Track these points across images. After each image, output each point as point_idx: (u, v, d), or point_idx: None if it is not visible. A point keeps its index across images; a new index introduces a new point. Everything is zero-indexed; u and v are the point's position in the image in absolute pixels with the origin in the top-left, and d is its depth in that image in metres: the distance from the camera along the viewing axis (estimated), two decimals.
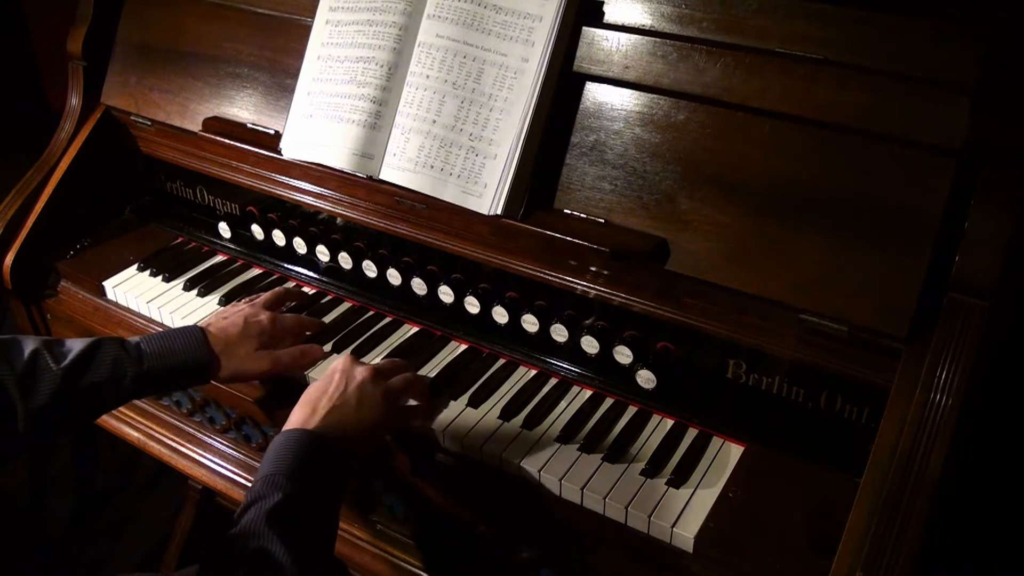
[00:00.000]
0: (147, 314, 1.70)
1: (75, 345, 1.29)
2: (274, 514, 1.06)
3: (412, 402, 1.36)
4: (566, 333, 1.40)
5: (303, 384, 1.48)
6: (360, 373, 1.28)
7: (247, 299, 1.54)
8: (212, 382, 1.42)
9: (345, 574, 1.54)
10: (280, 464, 1.13)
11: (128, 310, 1.73)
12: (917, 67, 1.11)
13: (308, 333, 1.55)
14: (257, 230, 1.74)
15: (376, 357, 1.51)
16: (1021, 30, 1.06)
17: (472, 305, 1.48)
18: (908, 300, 1.11)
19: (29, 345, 1.26)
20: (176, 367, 1.34)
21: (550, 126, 1.37)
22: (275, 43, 1.66)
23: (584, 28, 1.34)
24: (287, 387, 1.48)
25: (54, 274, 1.84)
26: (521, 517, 1.31)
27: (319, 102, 1.54)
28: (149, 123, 1.83)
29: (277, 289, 1.59)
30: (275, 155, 1.60)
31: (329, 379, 1.27)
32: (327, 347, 1.52)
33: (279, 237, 1.70)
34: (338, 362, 1.31)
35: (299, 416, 1.22)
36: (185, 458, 1.75)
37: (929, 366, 1.08)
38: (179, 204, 1.94)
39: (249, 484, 1.66)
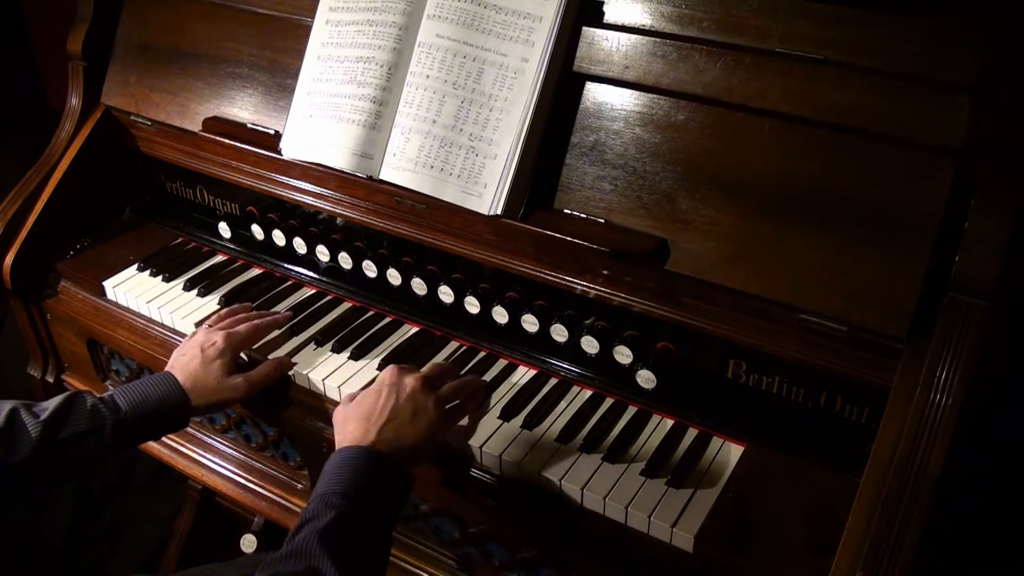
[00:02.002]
0: (147, 314, 1.70)
1: (51, 403, 1.31)
2: (326, 533, 1.06)
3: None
4: (566, 333, 1.40)
5: (307, 386, 1.48)
6: (409, 383, 1.26)
7: (194, 329, 1.55)
8: (192, 419, 1.43)
9: None
10: (336, 483, 1.12)
11: (128, 310, 1.73)
12: (917, 67, 1.11)
13: (275, 332, 1.56)
14: (257, 230, 1.74)
15: (376, 357, 1.51)
16: (1021, 30, 1.06)
17: (472, 305, 1.48)
18: (908, 300, 1.11)
19: (4, 406, 1.28)
20: (153, 413, 1.36)
21: (550, 126, 1.37)
22: (275, 43, 1.66)
23: (584, 28, 1.34)
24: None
25: (54, 274, 1.84)
26: (520, 517, 1.31)
27: (319, 102, 1.54)
28: (149, 123, 1.83)
29: (229, 308, 1.61)
30: (275, 155, 1.60)
31: (378, 392, 1.25)
32: (327, 347, 1.52)
33: (279, 237, 1.70)
34: (384, 374, 1.29)
35: (355, 433, 1.20)
36: (185, 458, 1.75)
37: (929, 366, 1.08)
38: (179, 204, 1.94)
39: (249, 484, 1.67)
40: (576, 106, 1.36)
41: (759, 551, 1.13)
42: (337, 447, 1.20)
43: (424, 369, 1.34)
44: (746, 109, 1.22)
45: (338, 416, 1.26)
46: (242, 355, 1.50)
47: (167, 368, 1.44)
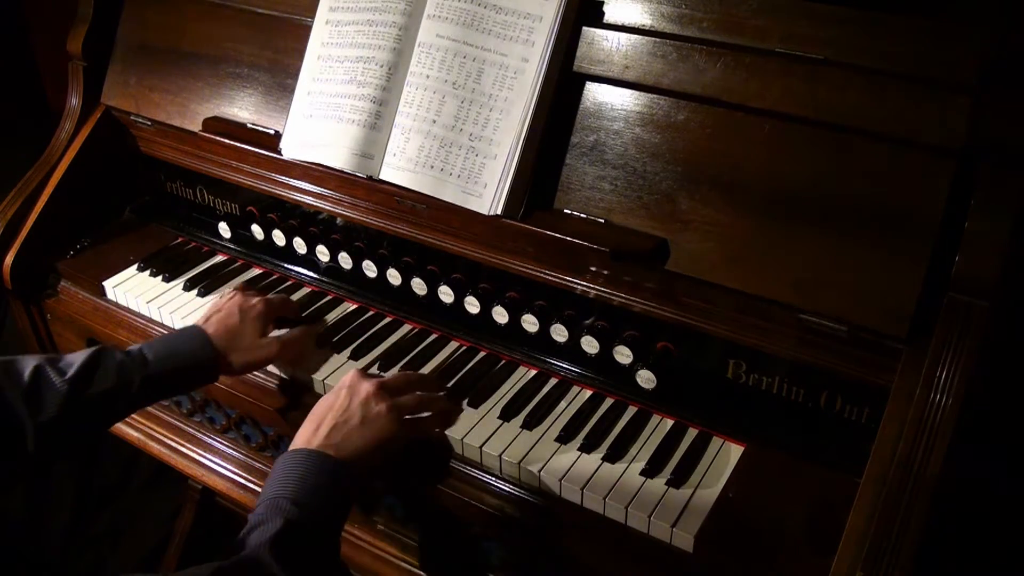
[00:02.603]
0: (147, 314, 1.70)
1: (77, 358, 1.28)
2: (277, 541, 1.05)
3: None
4: (566, 333, 1.40)
5: (308, 386, 1.48)
6: (365, 388, 1.26)
7: (231, 291, 1.55)
8: (223, 377, 1.42)
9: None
10: (283, 487, 1.12)
11: (128, 310, 1.73)
12: (917, 67, 1.11)
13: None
14: (257, 230, 1.74)
15: (376, 357, 1.51)
16: (1021, 30, 1.06)
17: (472, 305, 1.48)
18: (908, 300, 1.11)
19: (30, 363, 1.25)
20: (181, 367, 1.34)
21: (550, 126, 1.37)
22: (275, 43, 1.66)
23: (584, 28, 1.34)
24: (293, 387, 1.49)
25: (54, 274, 1.84)
26: (520, 517, 1.31)
27: (319, 102, 1.54)
28: (149, 123, 1.83)
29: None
30: (275, 155, 1.60)
31: (336, 394, 1.26)
32: (327, 347, 1.52)
33: (279, 237, 1.70)
34: (346, 377, 1.30)
35: (304, 434, 1.21)
36: (185, 458, 1.75)
37: (929, 366, 1.08)
38: (179, 204, 1.94)
39: (249, 484, 1.66)
40: (576, 106, 1.36)
41: (759, 551, 1.13)
42: (290, 447, 1.20)
43: (388, 377, 1.33)
44: (746, 109, 1.22)
45: (301, 427, 1.26)
46: None
47: (198, 322, 1.43)
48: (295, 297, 1.68)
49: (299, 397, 1.49)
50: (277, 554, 1.04)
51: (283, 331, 1.50)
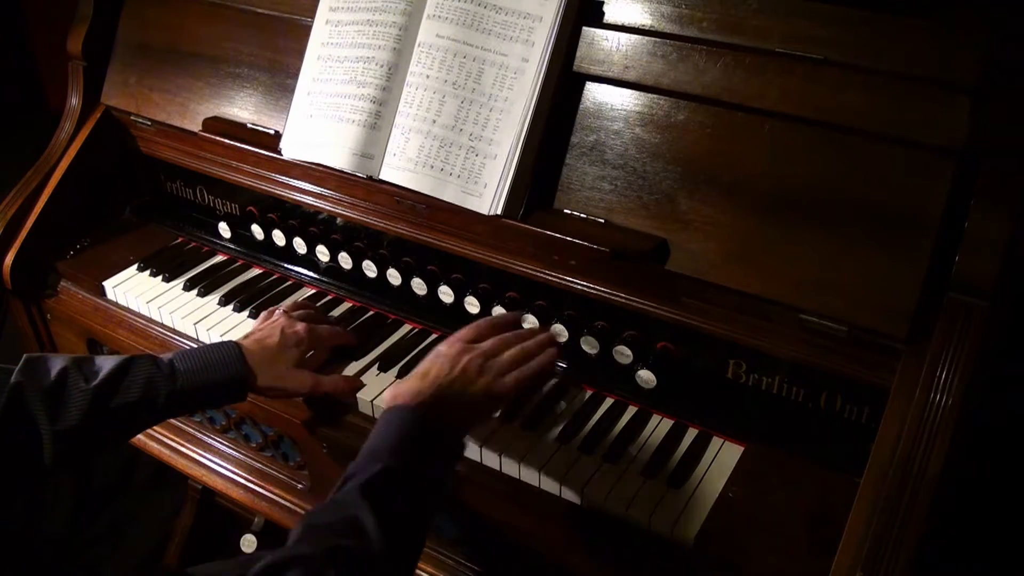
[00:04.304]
0: (147, 314, 1.70)
1: (106, 363, 1.25)
2: (370, 485, 1.05)
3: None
4: (566, 333, 1.40)
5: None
6: (465, 359, 1.22)
7: (270, 311, 1.51)
8: (251, 396, 1.38)
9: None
10: (381, 440, 1.12)
11: (128, 310, 1.73)
12: (917, 67, 1.11)
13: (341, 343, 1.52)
14: (257, 230, 1.74)
15: (376, 357, 1.50)
16: (1021, 30, 1.06)
17: (472, 305, 1.48)
18: (908, 300, 1.11)
19: (58, 363, 1.23)
20: (211, 383, 1.31)
21: (550, 126, 1.37)
22: (275, 43, 1.66)
23: (584, 28, 1.34)
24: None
25: (54, 274, 1.84)
26: (520, 517, 1.31)
27: (319, 102, 1.54)
28: (149, 123, 1.83)
29: (302, 301, 1.59)
30: (275, 155, 1.60)
31: (433, 360, 1.23)
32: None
33: (279, 237, 1.70)
34: (442, 345, 1.26)
35: (406, 396, 1.19)
36: (185, 458, 1.75)
37: (929, 366, 1.08)
38: (179, 204, 1.94)
39: (249, 484, 1.67)
40: (576, 106, 1.36)
41: (759, 551, 1.13)
42: (386, 408, 1.19)
43: (484, 344, 1.27)
44: (746, 109, 1.22)
45: (394, 386, 1.25)
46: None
47: (237, 338, 1.40)
48: (295, 297, 1.68)
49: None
50: (368, 497, 1.04)
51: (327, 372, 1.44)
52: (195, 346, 1.36)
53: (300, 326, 1.44)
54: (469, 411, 1.21)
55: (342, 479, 1.08)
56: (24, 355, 1.24)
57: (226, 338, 1.56)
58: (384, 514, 1.03)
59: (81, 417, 1.20)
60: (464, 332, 1.29)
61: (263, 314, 1.53)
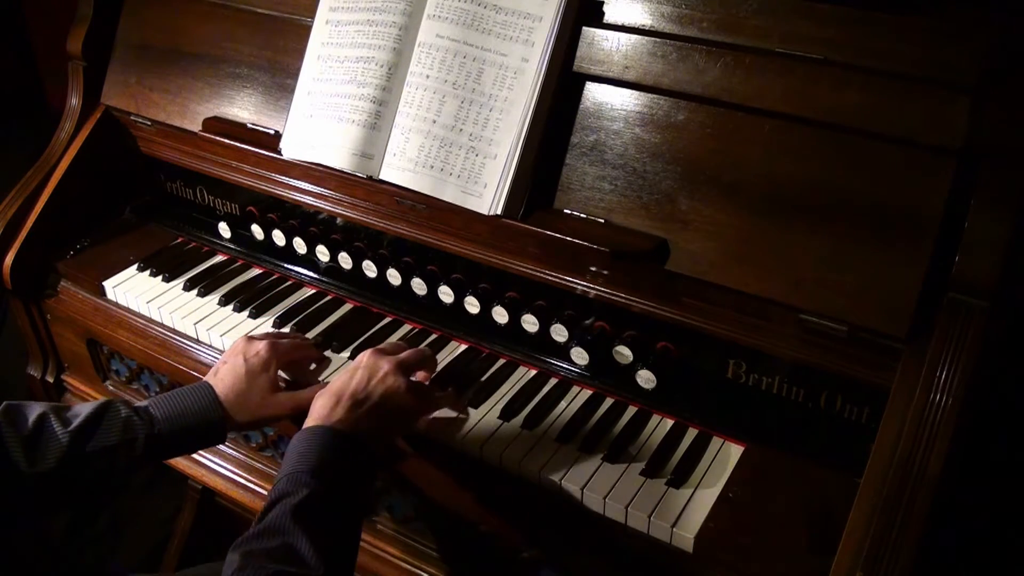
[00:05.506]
0: (147, 314, 1.70)
1: (83, 409, 1.25)
2: (299, 510, 1.06)
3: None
4: (566, 333, 1.40)
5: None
6: (383, 367, 1.26)
7: (240, 338, 1.46)
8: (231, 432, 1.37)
9: None
10: (303, 461, 1.12)
11: (128, 310, 1.73)
12: (917, 67, 1.11)
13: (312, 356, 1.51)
14: (257, 230, 1.74)
15: None
16: (1021, 30, 1.06)
17: (472, 305, 1.48)
18: (908, 300, 1.11)
19: (35, 410, 1.23)
20: (189, 427, 1.29)
21: (550, 126, 1.37)
22: (275, 43, 1.66)
23: (584, 28, 1.34)
24: None
25: (54, 274, 1.84)
26: (521, 517, 1.31)
27: (319, 102, 1.54)
28: (149, 123, 1.83)
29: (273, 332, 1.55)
30: (275, 155, 1.60)
31: (352, 373, 1.26)
32: (328, 347, 1.52)
33: (279, 237, 1.70)
34: (361, 356, 1.29)
35: (322, 410, 1.20)
36: (185, 458, 1.75)
37: (929, 366, 1.08)
38: (179, 204, 1.94)
39: (249, 484, 1.67)
40: (576, 106, 1.36)
41: (759, 551, 1.13)
42: (304, 426, 1.20)
43: (402, 355, 1.31)
44: (746, 109, 1.22)
45: (315, 400, 1.25)
46: (282, 374, 1.43)
47: (208, 377, 1.37)
48: (295, 297, 1.68)
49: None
50: (300, 522, 1.05)
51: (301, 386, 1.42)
52: (171, 391, 1.34)
53: (260, 345, 1.38)
54: (389, 417, 1.23)
55: (267, 503, 1.09)
56: (4, 402, 1.24)
57: (226, 338, 1.57)
58: (318, 536, 1.05)
59: (57, 462, 1.20)
60: (379, 346, 1.33)
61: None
